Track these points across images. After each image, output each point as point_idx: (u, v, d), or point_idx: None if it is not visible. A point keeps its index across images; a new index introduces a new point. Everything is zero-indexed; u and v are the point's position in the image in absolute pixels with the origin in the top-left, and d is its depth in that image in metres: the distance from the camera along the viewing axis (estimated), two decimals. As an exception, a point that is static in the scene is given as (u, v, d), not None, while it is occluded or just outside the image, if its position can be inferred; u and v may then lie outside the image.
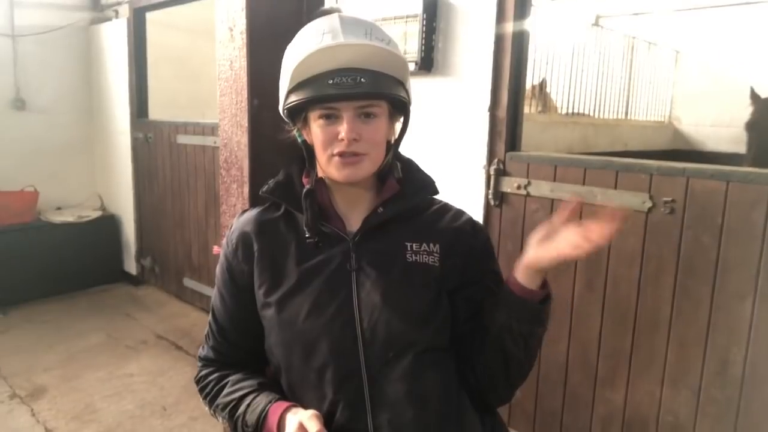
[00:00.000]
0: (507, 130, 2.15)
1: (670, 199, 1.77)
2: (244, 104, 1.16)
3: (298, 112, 1.01)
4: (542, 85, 3.62)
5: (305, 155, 1.05)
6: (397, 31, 2.37)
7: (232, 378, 1.06)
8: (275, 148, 1.04)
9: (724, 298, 1.70)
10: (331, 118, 0.97)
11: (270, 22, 1.18)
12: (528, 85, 2.92)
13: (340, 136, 0.96)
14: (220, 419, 1.04)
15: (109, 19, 4.40)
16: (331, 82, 0.94)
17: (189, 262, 3.99)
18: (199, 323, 3.71)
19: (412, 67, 2.28)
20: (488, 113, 2.16)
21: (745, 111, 3.31)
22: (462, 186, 2.27)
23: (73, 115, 4.55)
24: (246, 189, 1.20)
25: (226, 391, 1.04)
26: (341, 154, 0.97)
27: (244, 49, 1.15)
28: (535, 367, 2.10)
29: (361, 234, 1.02)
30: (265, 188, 1.07)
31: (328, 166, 1.00)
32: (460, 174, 2.27)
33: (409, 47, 2.31)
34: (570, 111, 3.71)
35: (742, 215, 1.65)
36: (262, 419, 0.96)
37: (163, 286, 4.33)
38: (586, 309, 1.99)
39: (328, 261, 1.01)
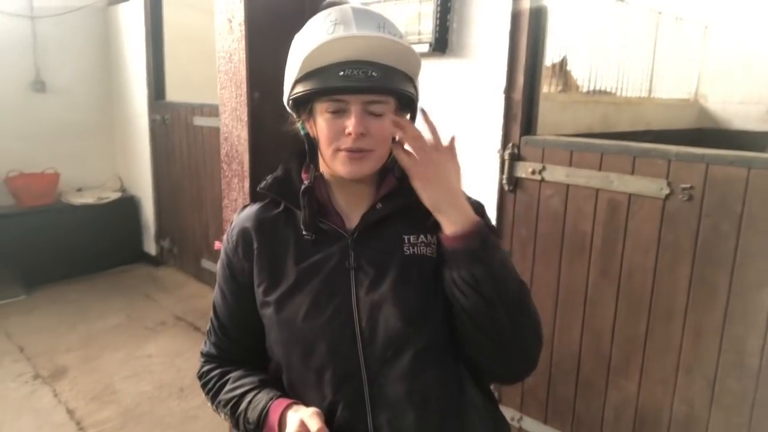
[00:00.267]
0: (522, 113, 2.10)
1: (688, 185, 1.72)
2: (244, 98, 1.14)
3: (304, 104, 0.99)
4: (563, 63, 3.53)
5: (306, 148, 1.03)
6: (411, 11, 2.32)
7: (234, 375, 1.06)
8: (277, 143, 1.01)
9: (742, 287, 1.66)
10: (338, 111, 0.95)
11: (270, 13, 1.15)
12: (548, 64, 2.85)
13: (347, 131, 0.94)
14: (223, 415, 1.04)
15: (126, -1, 4.40)
16: (341, 74, 0.91)
17: (207, 243, 4.02)
18: (217, 304, 3.75)
19: (425, 48, 2.23)
20: (503, 96, 2.11)
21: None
22: (476, 171, 2.23)
23: (93, 97, 4.58)
24: (246, 184, 1.18)
25: (227, 387, 1.05)
26: (347, 150, 0.95)
27: (243, 41, 1.13)
28: (547, 355, 2.11)
29: (360, 231, 1.00)
30: (263, 184, 1.05)
31: (332, 161, 0.98)
32: (474, 158, 2.24)
33: (423, 28, 2.26)
34: (592, 89, 3.62)
35: (763, 203, 1.60)
36: (263, 416, 0.96)
37: (182, 267, 4.39)
38: (601, 296, 1.96)
39: (326, 259, 0.99)
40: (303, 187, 1.01)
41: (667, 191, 1.76)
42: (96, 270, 4.39)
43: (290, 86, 0.98)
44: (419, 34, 2.25)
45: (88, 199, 4.38)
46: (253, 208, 1.08)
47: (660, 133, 3.95)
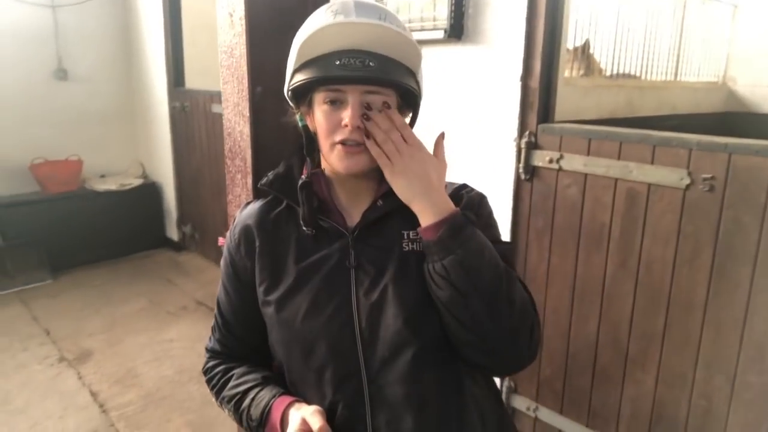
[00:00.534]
0: (539, 100, 2.05)
1: (709, 175, 1.67)
2: (246, 93, 1.13)
3: (304, 94, 0.98)
4: (585, 47, 3.45)
5: (304, 141, 1.02)
6: (426, -4, 2.28)
7: (238, 371, 1.07)
8: (280, 138, 1.00)
9: (765, 281, 1.61)
10: (336, 103, 0.93)
11: (271, 7, 1.13)
12: (570, 47, 2.78)
13: (343, 123, 0.92)
14: (227, 411, 1.05)
15: (145, -14, 4.42)
16: (338, 62, 0.90)
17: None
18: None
19: (440, 34, 2.19)
20: (520, 83, 2.07)
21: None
22: (492, 159, 2.20)
23: (114, 85, 4.64)
24: (249, 180, 1.18)
25: (231, 384, 1.05)
26: (344, 142, 0.93)
27: (244, 36, 1.11)
28: (564, 345, 2.09)
29: (360, 229, 0.99)
30: (264, 181, 1.04)
31: (329, 155, 0.96)
32: (490, 147, 2.20)
33: (438, 14, 2.22)
34: (616, 73, 3.53)
35: (789, 194, 1.54)
36: (266, 414, 0.96)
37: (203, 253, 4.45)
38: (618, 288, 1.93)
39: (326, 258, 0.98)
40: (300, 182, 1.00)
41: (687, 181, 1.71)
42: (119, 255, 4.48)
43: (290, 76, 0.97)
44: (434, 20, 2.21)
45: (111, 185, 4.45)
46: (255, 206, 1.08)
47: (686, 117, 3.84)
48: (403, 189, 0.93)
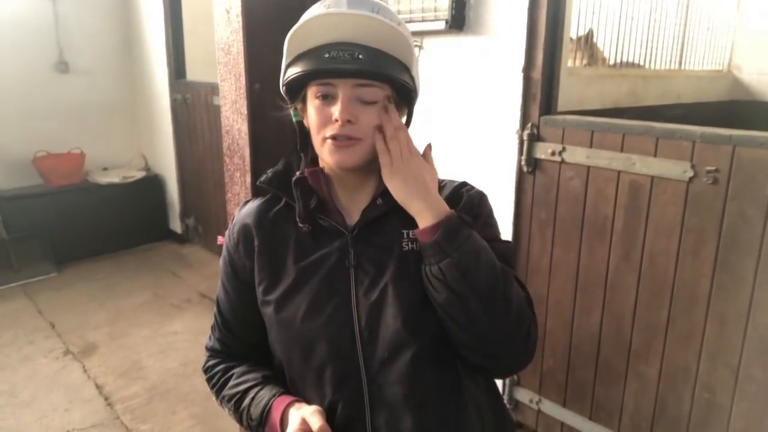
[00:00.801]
0: (542, 92, 2.04)
1: (713, 168, 1.65)
2: (243, 90, 1.12)
3: (297, 90, 0.97)
4: (588, 36, 3.42)
5: (298, 137, 1.01)
6: (427, -14, 2.25)
7: (238, 370, 1.07)
8: (279, 136, 1.00)
9: (770, 274, 1.60)
10: (327, 98, 0.92)
11: (268, 3, 1.12)
12: (573, 37, 2.76)
13: (333, 117, 0.91)
14: (227, 410, 1.05)
15: (144, -23, 4.39)
16: (327, 55, 0.88)
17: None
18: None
19: (442, 25, 2.17)
20: (522, 74, 2.05)
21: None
22: (494, 152, 2.19)
23: (115, 77, 4.62)
24: (248, 178, 1.17)
25: (231, 383, 1.05)
26: (334, 137, 0.92)
27: (241, 33, 1.10)
28: (567, 338, 2.09)
29: (360, 227, 0.98)
30: (262, 178, 1.04)
31: (321, 150, 0.95)
32: (492, 139, 2.19)
33: (440, 4, 2.20)
34: (619, 62, 3.50)
35: (794, 186, 1.53)
36: (265, 413, 0.96)
37: (207, 245, 4.45)
38: (622, 281, 1.92)
39: (326, 257, 0.98)
40: (294, 179, 0.99)
41: (691, 174, 1.70)
42: (123, 248, 4.49)
43: (283, 71, 0.96)
44: (435, 10, 2.19)
45: (113, 178, 4.45)
46: (254, 204, 1.07)
47: (691, 106, 3.81)
48: (399, 189, 0.92)
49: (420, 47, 2.32)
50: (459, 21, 2.17)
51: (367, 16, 0.87)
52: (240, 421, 1.02)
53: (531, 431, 2.29)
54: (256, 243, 1.02)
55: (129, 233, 4.51)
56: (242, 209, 1.09)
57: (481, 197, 1.03)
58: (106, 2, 4.46)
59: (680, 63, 4.13)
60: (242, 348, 1.10)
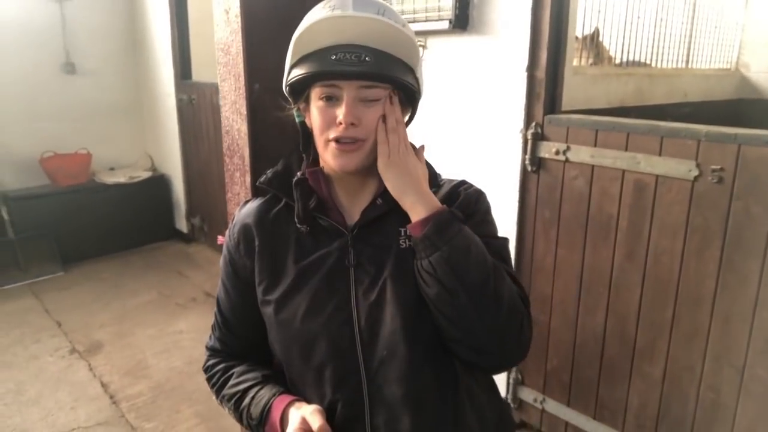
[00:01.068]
0: (546, 91, 2.03)
1: (718, 167, 1.64)
2: (243, 90, 1.12)
3: (301, 90, 0.97)
4: (594, 35, 3.40)
5: (301, 138, 1.01)
6: (431, -14, 2.25)
7: (238, 370, 1.07)
8: (278, 136, 1.00)
9: (775, 273, 1.59)
10: (331, 99, 0.92)
11: (268, 3, 1.12)
12: (579, 36, 2.75)
13: (337, 120, 0.91)
14: (227, 410, 1.06)
15: (150, -22, 4.41)
16: (333, 57, 0.89)
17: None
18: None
19: (446, 25, 2.17)
20: (525, 74, 2.05)
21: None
22: (498, 151, 2.19)
23: (121, 78, 4.65)
24: (248, 178, 1.17)
25: (231, 382, 1.05)
26: (338, 140, 0.92)
27: (240, 33, 1.10)
28: (571, 337, 2.08)
29: (359, 227, 0.98)
30: (262, 179, 1.04)
31: (324, 153, 0.96)
32: (496, 138, 2.19)
33: (443, 4, 2.19)
34: (626, 60, 3.48)
35: (799, 185, 1.52)
36: (265, 413, 0.96)
37: (212, 244, 4.46)
38: (626, 280, 1.91)
39: (326, 257, 0.98)
40: (294, 179, 0.99)
41: (696, 173, 1.69)
42: (129, 247, 4.51)
43: (287, 72, 0.97)
44: (439, 10, 2.19)
45: (120, 178, 4.47)
46: (254, 204, 1.07)
47: (698, 105, 3.79)
48: (394, 181, 0.93)
49: (424, 47, 2.32)
50: (462, 21, 2.16)
51: (372, 19, 0.88)
52: (240, 420, 1.02)
53: (535, 431, 2.29)
54: (256, 243, 1.03)
55: (135, 233, 4.54)
56: (242, 209, 1.09)
57: (479, 195, 1.03)
58: (112, 4, 4.48)
59: (687, 61, 4.10)
60: (242, 347, 1.10)
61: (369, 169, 0.97)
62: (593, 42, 3.36)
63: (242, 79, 1.12)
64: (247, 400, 1.00)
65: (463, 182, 1.05)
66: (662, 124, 1.81)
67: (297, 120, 1.01)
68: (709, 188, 1.67)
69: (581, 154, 1.96)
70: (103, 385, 2.71)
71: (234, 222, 1.08)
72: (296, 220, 0.99)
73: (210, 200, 4.30)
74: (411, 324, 0.93)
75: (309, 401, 0.96)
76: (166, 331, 3.23)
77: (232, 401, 1.03)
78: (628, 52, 3.48)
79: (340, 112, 0.90)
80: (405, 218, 0.95)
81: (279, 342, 1.01)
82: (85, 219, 4.25)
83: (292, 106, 1.01)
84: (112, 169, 4.65)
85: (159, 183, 4.70)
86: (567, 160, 2.00)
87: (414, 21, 2.27)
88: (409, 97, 0.98)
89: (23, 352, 2.99)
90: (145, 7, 4.47)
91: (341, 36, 0.89)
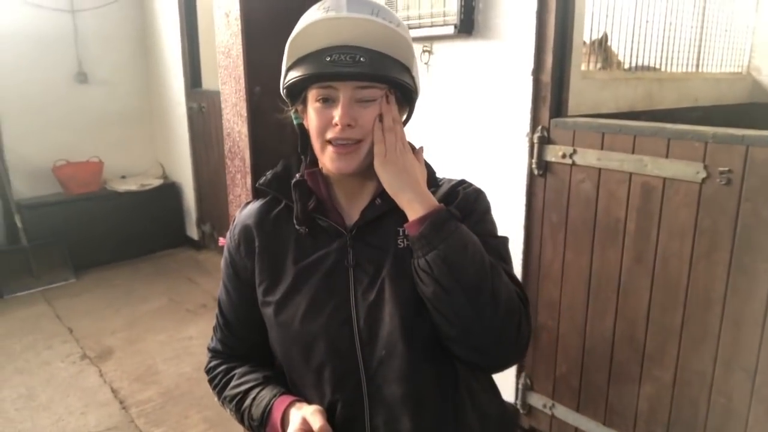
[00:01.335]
0: (552, 95, 2.03)
1: (726, 169, 1.63)
2: (243, 93, 1.13)
3: (298, 92, 0.97)
4: (602, 39, 3.39)
5: (299, 140, 1.01)
6: (436, -9, 2.26)
7: (239, 371, 1.07)
8: (279, 138, 1.00)
9: (786, 276, 1.57)
10: (328, 101, 0.92)
11: (267, 6, 1.13)
12: (587, 41, 2.74)
13: (334, 121, 0.91)
14: (228, 411, 1.06)
15: (161, -11, 4.47)
16: (328, 59, 0.89)
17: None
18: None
19: (451, 30, 2.18)
20: (531, 78, 2.05)
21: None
22: (504, 155, 2.18)
23: (132, 87, 4.70)
24: (248, 180, 1.18)
25: (233, 383, 1.05)
26: (335, 142, 0.92)
27: (240, 36, 1.11)
28: (580, 341, 2.06)
29: (358, 228, 0.98)
30: (262, 180, 1.04)
31: (322, 155, 0.96)
32: (502, 142, 2.18)
33: (449, 9, 2.20)
34: (635, 65, 3.47)
35: (809, 186, 1.50)
36: (266, 413, 0.96)
37: (222, 251, 4.48)
38: (635, 284, 1.89)
39: (325, 257, 0.98)
40: (293, 181, 1.00)
41: (703, 175, 1.67)
42: (140, 254, 4.55)
43: (283, 74, 0.97)
44: (444, 15, 2.20)
45: (131, 186, 4.51)
46: (254, 205, 1.07)
47: (709, 109, 3.76)
48: (391, 180, 0.92)
49: (430, 52, 2.33)
50: (468, 25, 2.17)
51: (367, 20, 0.88)
52: (241, 421, 1.02)
53: (544, 437, 2.27)
54: (257, 244, 1.03)
55: (146, 240, 4.57)
56: (243, 211, 1.09)
57: (477, 194, 1.02)
58: (123, 14, 4.54)
59: (697, 65, 4.07)
60: (244, 348, 1.10)
61: (368, 170, 0.97)
62: (602, 46, 3.35)
63: (242, 81, 1.13)
64: (248, 401, 1.00)
65: (462, 182, 1.05)
66: (669, 126, 1.80)
67: (295, 122, 1.01)
68: (717, 190, 1.66)
69: (588, 157, 1.95)
70: (113, 390, 2.73)
71: (235, 223, 1.09)
72: (295, 221, 0.99)
73: (220, 207, 4.33)
74: (410, 323, 0.92)
75: (309, 402, 0.96)
76: (176, 337, 3.24)
77: (234, 402, 1.03)
78: (638, 57, 3.47)
79: (337, 114, 0.91)
80: (404, 218, 0.94)
81: (279, 343, 1.01)
82: (97, 226, 4.29)
83: (290, 108, 1.01)
84: (123, 177, 4.70)
85: (170, 191, 4.73)
86: (574, 164, 1.99)
87: (419, 26, 2.28)
88: (405, 96, 0.98)
89: (35, 358, 3.02)
90: (155, 16, 4.52)
91: (336, 37, 0.89)
